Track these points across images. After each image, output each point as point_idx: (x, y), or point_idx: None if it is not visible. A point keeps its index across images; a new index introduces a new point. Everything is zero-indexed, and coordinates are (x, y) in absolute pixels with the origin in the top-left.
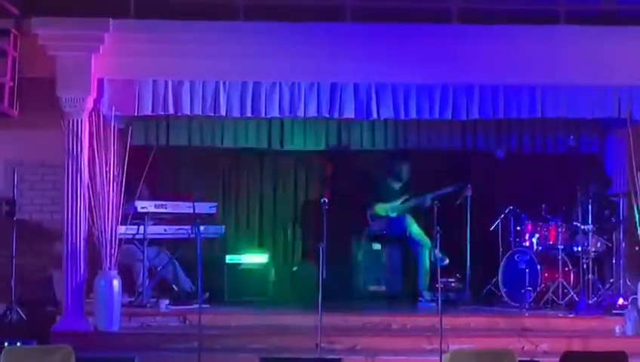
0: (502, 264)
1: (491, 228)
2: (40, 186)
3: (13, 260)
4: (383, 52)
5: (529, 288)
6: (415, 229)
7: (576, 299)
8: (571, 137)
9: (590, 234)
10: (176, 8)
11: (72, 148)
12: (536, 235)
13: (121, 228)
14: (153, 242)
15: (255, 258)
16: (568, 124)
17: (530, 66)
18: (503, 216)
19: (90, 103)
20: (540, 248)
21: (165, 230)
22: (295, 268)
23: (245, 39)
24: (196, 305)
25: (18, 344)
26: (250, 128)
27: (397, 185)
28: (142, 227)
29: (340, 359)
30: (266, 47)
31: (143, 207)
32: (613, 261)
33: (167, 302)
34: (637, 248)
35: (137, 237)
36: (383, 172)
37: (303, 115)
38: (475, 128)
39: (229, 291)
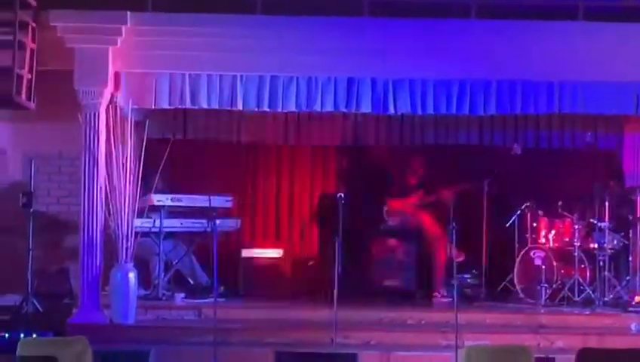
0: (518, 260)
1: (507, 224)
2: (57, 178)
3: (30, 252)
4: (400, 47)
5: (545, 285)
6: (431, 225)
7: (592, 296)
8: (589, 134)
9: (607, 231)
10: (194, 1)
11: (89, 141)
12: (553, 232)
13: (137, 221)
14: (169, 235)
15: (270, 252)
16: (586, 120)
17: (548, 62)
18: (519, 212)
19: (107, 96)
20: (556, 245)
21: (181, 223)
22: (310, 263)
23: (263, 33)
24: (212, 299)
25: (34, 336)
26: (267, 122)
27: (413, 180)
28: (158, 220)
29: (355, 354)
30: (283, 41)
31: (159, 200)
32: (630, 258)
33: (182, 295)
34: None
35: (153, 230)
36: (400, 167)
37: (319, 109)
38: (492, 124)
39: (245, 285)
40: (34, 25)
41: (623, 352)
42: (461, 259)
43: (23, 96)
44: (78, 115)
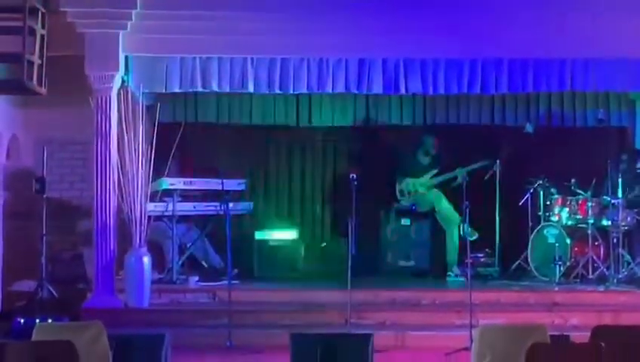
0: (531, 238)
1: (520, 203)
2: (69, 163)
3: (44, 237)
4: (411, 27)
5: (559, 262)
6: (444, 204)
7: (606, 273)
8: (601, 111)
9: (620, 207)
10: None
11: (101, 126)
12: (566, 209)
13: (151, 205)
14: (183, 219)
15: (284, 234)
16: (598, 97)
17: (559, 39)
18: (532, 190)
19: (118, 80)
20: (570, 222)
21: (194, 207)
22: (324, 244)
23: (273, 15)
24: (226, 282)
25: (49, 321)
26: (279, 104)
27: (425, 161)
28: (171, 204)
29: (370, 334)
30: (293, 23)
31: (171, 184)
32: None
33: (196, 278)
34: None
35: (166, 214)
36: (412, 147)
37: (331, 90)
38: (504, 102)
39: (259, 267)
40: (43, 10)
41: (638, 329)
42: (474, 237)
43: (34, 81)
44: (90, 100)
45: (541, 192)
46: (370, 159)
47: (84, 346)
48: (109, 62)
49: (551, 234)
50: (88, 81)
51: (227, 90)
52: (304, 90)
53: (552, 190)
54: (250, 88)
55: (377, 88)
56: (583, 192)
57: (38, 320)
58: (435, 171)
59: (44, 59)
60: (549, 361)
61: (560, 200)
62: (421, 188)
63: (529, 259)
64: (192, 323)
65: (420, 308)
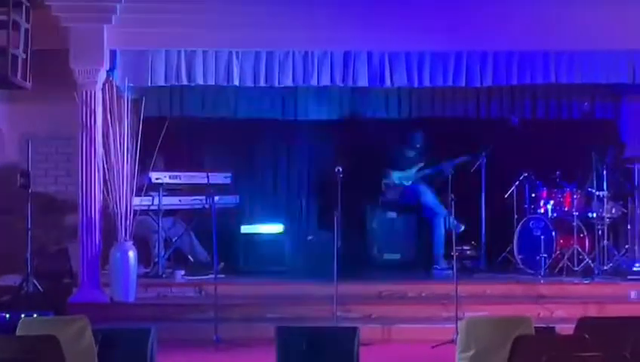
0: (517, 231)
1: (506, 196)
2: (54, 158)
3: (29, 232)
4: (396, 20)
5: (544, 255)
6: (429, 197)
7: (592, 265)
8: (586, 103)
9: (605, 200)
10: None
11: (86, 120)
12: (551, 202)
13: (136, 200)
14: (168, 213)
15: (270, 227)
16: (583, 90)
17: (544, 32)
18: (517, 183)
19: (103, 75)
20: (555, 215)
21: (180, 200)
22: (310, 238)
23: (257, 8)
24: (212, 276)
25: (34, 315)
26: (264, 98)
27: (411, 154)
28: (157, 198)
29: (356, 327)
30: (278, 16)
31: (157, 178)
32: (629, 227)
33: (182, 272)
34: None
35: (152, 208)
36: (398, 140)
37: (316, 83)
38: (490, 95)
39: (245, 261)
40: (28, 4)
41: (622, 320)
42: (460, 230)
43: (19, 76)
44: (75, 94)
45: (527, 185)
46: (355, 152)
47: (69, 341)
48: (94, 57)
49: (536, 226)
50: (73, 76)
51: (212, 83)
52: (289, 84)
53: (538, 182)
54: (236, 82)
55: (363, 81)
56: (568, 184)
57: (23, 315)
58: (421, 164)
59: (29, 53)
60: (534, 353)
61: (545, 193)
62: (407, 181)
63: (515, 252)
64: (178, 317)
65: (406, 301)
